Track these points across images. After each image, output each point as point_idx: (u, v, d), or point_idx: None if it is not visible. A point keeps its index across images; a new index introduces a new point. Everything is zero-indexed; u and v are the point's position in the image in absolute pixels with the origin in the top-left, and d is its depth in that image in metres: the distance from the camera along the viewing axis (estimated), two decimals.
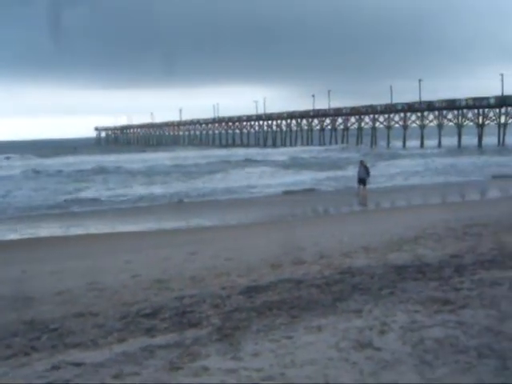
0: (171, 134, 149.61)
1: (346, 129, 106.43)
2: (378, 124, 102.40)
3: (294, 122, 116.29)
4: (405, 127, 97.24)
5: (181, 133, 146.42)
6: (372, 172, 30.24)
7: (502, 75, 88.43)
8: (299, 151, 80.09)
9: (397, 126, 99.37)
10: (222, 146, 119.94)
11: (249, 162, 60.93)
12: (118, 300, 8.83)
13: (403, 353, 5.25)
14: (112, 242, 16.50)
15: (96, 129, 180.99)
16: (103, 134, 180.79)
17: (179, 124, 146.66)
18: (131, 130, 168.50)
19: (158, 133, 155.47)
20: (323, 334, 6.01)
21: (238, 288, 8.91)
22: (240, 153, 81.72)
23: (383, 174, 41.60)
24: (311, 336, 6.00)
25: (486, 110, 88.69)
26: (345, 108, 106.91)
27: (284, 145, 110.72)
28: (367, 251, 11.77)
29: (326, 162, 56.16)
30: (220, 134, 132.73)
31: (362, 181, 28.29)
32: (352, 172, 34.47)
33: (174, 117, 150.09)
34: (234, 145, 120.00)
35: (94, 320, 7.66)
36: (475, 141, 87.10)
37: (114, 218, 23.44)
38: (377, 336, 5.80)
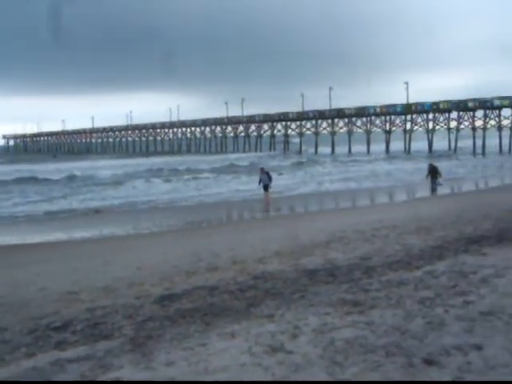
0: (83, 141, 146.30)
1: (260, 136, 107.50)
2: (290, 131, 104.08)
3: (207, 129, 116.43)
4: (316, 134, 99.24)
5: (93, 140, 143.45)
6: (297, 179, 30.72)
7: (407, 83, 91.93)
8: (233, 159, 79.47)
9: (308, 132, 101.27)
10: (136, 153, 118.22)
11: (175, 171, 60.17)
12: (27, 314, 8.53)
13: (314, 355, 5.34)
14: (20, 255, 15.91)
15: (4, 137, 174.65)
16: (12, 142, 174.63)
17: (91, 132, 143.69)
18: (41, 138, 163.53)
19: (69, 141, 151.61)
20: (236, 340, 6.02)
21: (152, 297, 8.80)
22: (159, 161, 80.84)
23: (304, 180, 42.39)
24: (224, 342, 6.01)
25: (393, 117, 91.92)
26: (258, 115, 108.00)
27: (198, 152, 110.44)
28: (280, 256, 11.91)
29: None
30: (134, 141, 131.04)
31: (266, 187, 28.98)
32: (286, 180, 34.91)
33: (86, 124, 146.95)
34: (147, 152, 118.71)
35: (0, 335, 7.36)
36: (383, 147, 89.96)
37: (24, 229, 22.67)
38: (289, 340, 5.87)
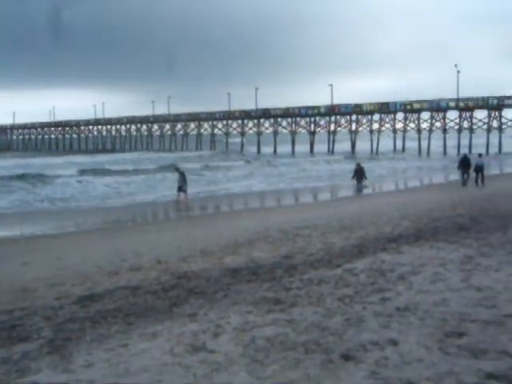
0: (3, 138, 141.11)
1: (186, 134, 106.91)
2: (216, 130, 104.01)
3: (133, 127, 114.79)
4: (242, 134, 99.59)
5: (14, 137, 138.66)
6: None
7: (331, 85, 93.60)
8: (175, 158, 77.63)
9: (234, 132, 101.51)
10: (59, 151, 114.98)
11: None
12: None
13: (236, 353, 5.37)
14: None
15: None
16: None
17: (12, 128, 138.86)
18: None
19: None
20: (158, 340, 5.99)
21: (72, 298, 8.63)
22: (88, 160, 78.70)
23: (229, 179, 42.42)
24: (146, 343, 5.96)
25: (318, 118, 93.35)
26: (184, 114, 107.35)
27: (123, 150, 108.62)
28: (204, 255, 11.91)
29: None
30: (57, 138, 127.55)
31: (180, 188, 28.86)
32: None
33: (6, 120, 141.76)
34: (71, 150, 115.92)
35: None
36: (307, 147, 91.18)
37: None
38: (211, 339, 5.88)
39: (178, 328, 6.38)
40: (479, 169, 31.65)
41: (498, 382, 4.35)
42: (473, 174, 31.45)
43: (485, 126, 79.59)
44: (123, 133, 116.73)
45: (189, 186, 29.65)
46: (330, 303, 6.86)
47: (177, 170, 29.96)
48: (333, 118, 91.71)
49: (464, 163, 32.42)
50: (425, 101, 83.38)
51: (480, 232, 11.78)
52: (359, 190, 31.36)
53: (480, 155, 33.75)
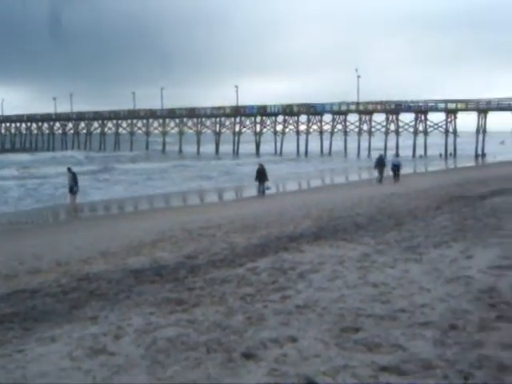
0: None
1: (89, 133, 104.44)
2: (121, 130, 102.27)
3: (34, 125, 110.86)
4: (147, 134, 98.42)
5: None
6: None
7: (236, 87, 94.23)
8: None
9: (139, 132, 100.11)
10: None
11: None
12: None
13: (137, 355, 5.32)
14: None
15: None
16: None
17: None
18: None
19: None
20: (57, 345, 5.83)
21: None
22: None
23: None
24: (44, 347, 5.79)
25: (223, 118, 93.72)
26: (88, 112, 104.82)
27: (24, 149, 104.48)
28: (106, 256, 11.70)
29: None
30: None
31: (71, 189, 28.27)
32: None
33: None
34: None
35: None
36: (213, 147, 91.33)
37: None
38: (112, 341, 5.79)
39: (77, 331, 6.24)
40: (396, 167, 35.50)
41: (391, 374, 4.54)
42: (390, 173, 35.25)
43: (383, 129, 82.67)
44: (23, 131, 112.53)
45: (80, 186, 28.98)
46: (232, 302, 6.92)
47: (69, 170, 29.15)
48: (238, 119, 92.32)
49: (380, 163, 35.84)
50: (327, 104, 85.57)
51: (377, 230, 12.23)
52: (262, 191, 31.43)
53: (397, 155, 37.20)
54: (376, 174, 36.43)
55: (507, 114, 74.69)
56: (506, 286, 6.87)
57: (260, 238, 12.69)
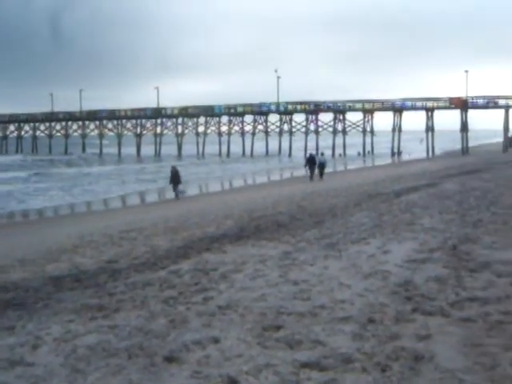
0: None
1: (5, 137, 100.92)
2: (38, 133, 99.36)
3: None
4: (66, 136, 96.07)
5: None
6: None
7: (157, 88, 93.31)
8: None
9: (58, 134, 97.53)
10: None
11: None
12: None
13: (56, 364, 5.18)
14: None
15: None
16: None
17: None
18: None
19: None
20: None
21: None
22: None
23: None
24: None
25: (144, 120, 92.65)
26: (2, 115, 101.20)
27: None
28: (24, 264, 11.34)
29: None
30: None
31: None
32: None
33: None
34: None
35: None
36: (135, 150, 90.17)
37: None
38: (29, 352, 5.61)
39: None
40: (322, 165, 37.96)
41: (311, 370, 4.62)
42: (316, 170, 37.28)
43: (303, 129, 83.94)
44: None
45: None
46: (154, 306, 6.85)
47: None
48: (159, 121, 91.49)
49: (311, 161, 38.14)
50: (248, 104, 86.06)
51: (297, 229, 12.41)
52: (176, 194, 30.89)
53: (322, 154, 40.94)
54: (307, 172, 38.08)
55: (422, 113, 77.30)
56: (420, 279, 7.13)
57: (182, 239, 12.63)
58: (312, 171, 37.47)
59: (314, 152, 49.73)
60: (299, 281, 7.47)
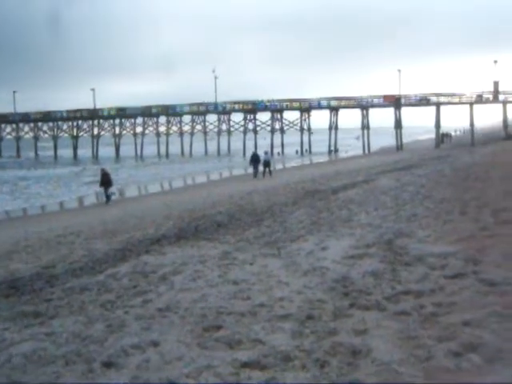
0: None
1: None
2: None
3: None
4: (36, 138, 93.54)
5: None
6: None
7: (93, 89, 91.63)
8: None
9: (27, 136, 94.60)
10: None
11: None
12: None
13: None
14: None
15: None
16: None
17: None
18: None
19: None
20: None
21: None
22: None
23: None
24: None
25: (80, 122, 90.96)
26: None
27: None
28: None
29: None
30: None
31: None
32: None
33: None
34: None
35: None
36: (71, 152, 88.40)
37: None
38: None
39: None
40: (267, 163, 39.01)
41: (252, 369, 4.64)
42: (261, 168, 38.43)
43: (241, 129, 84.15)
44: None
45: None
46: (92, 311, 6.74)
47: None
48: (96, 122, 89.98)
49: (254, 159, 39.44)
50: (188, 104, 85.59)
51: (237, 228, 12.43)
52: (107, 197, 29.87)
53: (266, 152, 42.06)
54: (251, 169, 39.33)
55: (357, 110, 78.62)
56: (357, 274, 7.25)
57: (121, 242, 12.46)
58: (256, 169, 38.49)
59: (261, 150, 50.18)
60: (239, 280, 7.49)
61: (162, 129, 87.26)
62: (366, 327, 5.28)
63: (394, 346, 4.78)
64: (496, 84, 68.21)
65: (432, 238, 9.10)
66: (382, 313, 5.70)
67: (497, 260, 6.97)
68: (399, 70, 79.21)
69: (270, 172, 38.79)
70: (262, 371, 4.58)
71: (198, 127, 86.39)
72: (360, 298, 6.21)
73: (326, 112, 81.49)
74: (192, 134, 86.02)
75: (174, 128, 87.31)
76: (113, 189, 30.88)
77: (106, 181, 29.99)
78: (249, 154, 53.43)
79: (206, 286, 7.39)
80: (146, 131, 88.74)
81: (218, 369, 4.66)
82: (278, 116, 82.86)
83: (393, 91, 77.79)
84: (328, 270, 7.60)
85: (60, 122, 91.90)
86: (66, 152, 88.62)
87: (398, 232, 9.85)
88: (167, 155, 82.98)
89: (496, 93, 68.00)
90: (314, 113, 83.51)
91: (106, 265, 9.81)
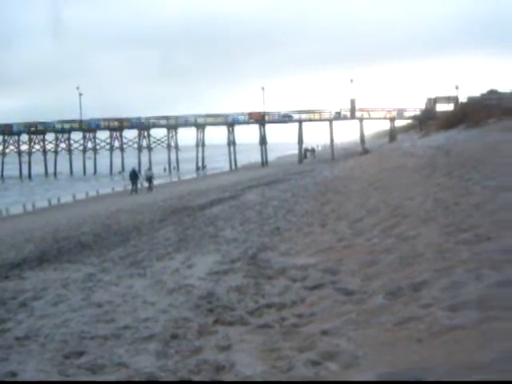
0: None
1: None
2: None
3: None
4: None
5: None
6: None
7: None
8: None
9: None
10: None
11: None
12: None
13: None
14: None
15: None
16: None
17: None
18: None
19: None
20: None
21: None
22: None
23: None
24: None
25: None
26: None
27: None
28: None
29: None
30: None
31: None
32: None
33: None
34: None
35: None
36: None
37: None
38: None
39: None
40: (149, 179, 41.61)
41: None
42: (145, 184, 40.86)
43: (107, 146, 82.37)
44: None
45: None
46: None
47: None
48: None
49: (134, 175, 40.94)
50: (70, 121, 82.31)
51: (102, 248, 12.16)
52: None
53: (149, 169, 45.65)
54: (130, 185, 40.59)
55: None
56: (222, 290, 7.36)
57: None
58: (135, 185, 40.04)
59: (128, 168, 50.49)
60: (103, 302, 7.33)
61: (25, 147, 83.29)
62: (230, 343, 5.36)
63: (257, 359, 4.89)
64: (353, 102, 71.71)
65: (294, 250, 9.41)
66: (246, 327, 5.82)
67: (353, 269, 7.33)
68: (263, 88, 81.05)
69: (151, 188, 40.68)
70: None
71: (63, 145, 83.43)
72: (224, 314, 6.29)
73: (193, 129, 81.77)
74: (56, 152, 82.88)
75: (37, 146, 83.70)
76: None
77: None
78: (116, 171, 53.21)
79: (68, 310, 7.17)
80: (7, 150, 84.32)
81: None
82: (145, 133, 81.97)
83: (258, 108, 79.56)
84: (194, 288, 7.64)
85: None
86: None
87: (262, 246, 10.10)
88: (30, 176, 79.08)
89: (353, 110, 71.53)
90: (181, 130, 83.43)
91: None
